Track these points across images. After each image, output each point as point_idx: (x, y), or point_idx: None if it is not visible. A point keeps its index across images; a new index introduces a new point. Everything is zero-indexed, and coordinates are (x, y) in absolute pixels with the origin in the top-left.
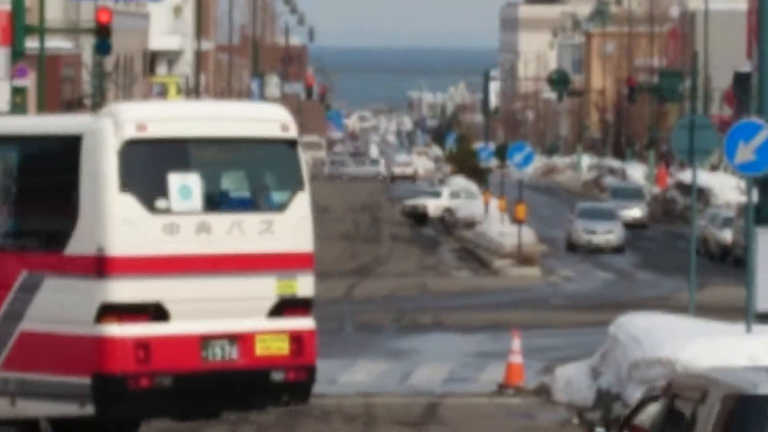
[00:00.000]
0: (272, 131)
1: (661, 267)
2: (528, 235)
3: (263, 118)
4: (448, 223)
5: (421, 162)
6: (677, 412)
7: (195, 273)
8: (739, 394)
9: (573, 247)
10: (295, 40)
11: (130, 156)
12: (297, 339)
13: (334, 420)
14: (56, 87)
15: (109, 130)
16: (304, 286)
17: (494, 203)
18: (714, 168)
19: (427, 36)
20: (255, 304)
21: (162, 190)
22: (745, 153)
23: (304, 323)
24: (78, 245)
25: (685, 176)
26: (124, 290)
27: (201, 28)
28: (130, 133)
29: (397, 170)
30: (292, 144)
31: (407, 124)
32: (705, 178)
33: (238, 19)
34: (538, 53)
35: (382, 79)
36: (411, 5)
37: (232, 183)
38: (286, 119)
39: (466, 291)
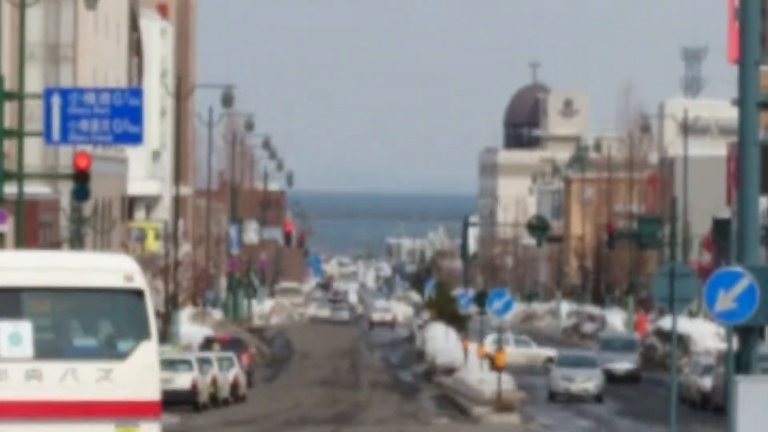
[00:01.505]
0: (115, 281)
1: (641, 415)
2: (507, 382)
3: (105, 269)
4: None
5: (400, 308)
6: None
7: (24, 419)
8: None
9: (553, 396)
10: (274, 186)
11: None
12: None
13: None
14: (34, 232)
15: None
16: None
17: (473, 349)
18: (693, 314)
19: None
20: None
21: None
22: (725, 301)
23: None
24: None
25: (665, 323)
26: None
27: (179, 174)
28: None
29: (376, 316)
30: (137, 293)
31: (386, 269)
32: (685, 324)
33: (216, 164)
34: (517, 198)
35: (361, 224)
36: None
37: (70, 331)
38: (131, 269)
39: None
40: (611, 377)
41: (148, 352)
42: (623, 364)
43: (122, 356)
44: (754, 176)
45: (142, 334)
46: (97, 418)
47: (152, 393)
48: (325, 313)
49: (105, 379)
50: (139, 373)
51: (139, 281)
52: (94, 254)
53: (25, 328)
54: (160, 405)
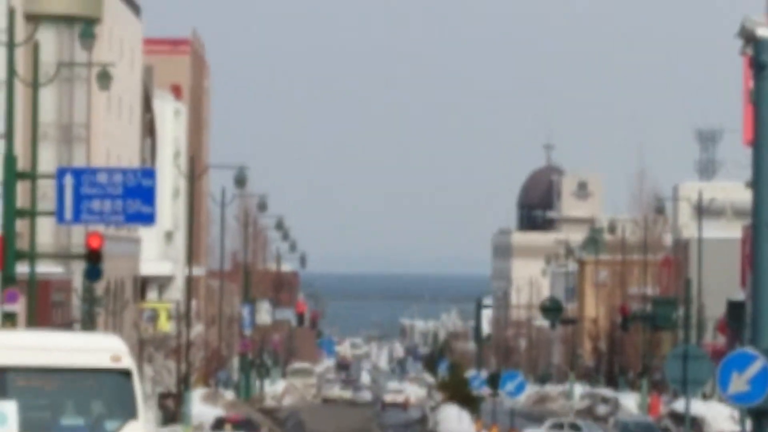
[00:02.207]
0: (101, 361)
1: None
2: None
3: (93, 349)
4: None
5: (412, 389)
6: None
7: None
8: None
9: None
10: (287, 267)
11: None
12: None
13: None
14: (47, 312)
15: None
16: None
17: None
18: (707, 397)
19: (420, 262)
20: None
21: None
22: (738, 383)
23: None
24: None
25: (678, 406)
26: None
27: (192, 254)
28: None
29: (388, 398)
30: (124, 374)
31: (399, 351)
32: (698, 407)
33: (229, 245)
34: (530, 280)
35: (373, 306)
36: (403, 231)
37: (56, 410)
38: (119, 350)
39: None
40: None
41: None
42: None
43: None
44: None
45: (130, 413)
46: None
47: None
48: (347, 394)
49: None
50: None
51: (127, 361)
52: (82, 334)
53: (10, 408)
54: None
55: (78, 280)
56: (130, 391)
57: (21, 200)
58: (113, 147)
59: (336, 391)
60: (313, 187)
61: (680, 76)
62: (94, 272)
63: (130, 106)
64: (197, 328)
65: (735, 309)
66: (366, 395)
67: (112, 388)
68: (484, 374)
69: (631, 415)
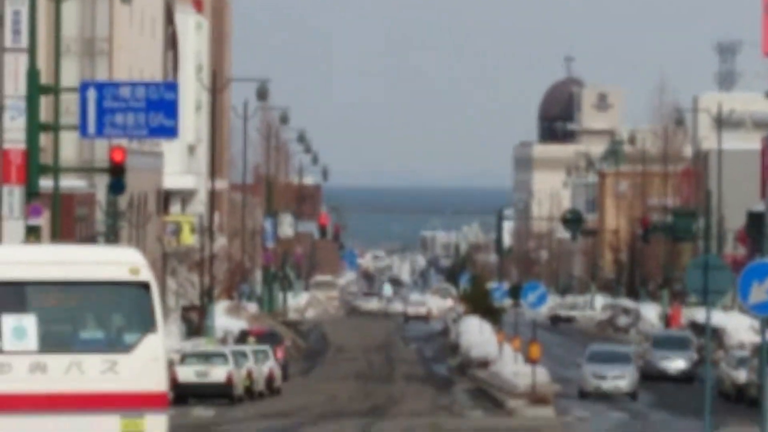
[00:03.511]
0: (120, 274)
1: (676, 408)
2: (542, 375)
3: (111, 262)
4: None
5: (435, 302)
6: None
7: (29, 411)
8: None
9: (582, 394)
10: (309, 180)
11: None
12: None
13: None
14: (70, 226)
15: None
16: (153, 425)
17: (512, 346)
18: (728, 308)
19: (441, 176)
20: None
21: None
22: (759, 293)
23: None
24: None
25: (699, 316)
26: None
27: (215, 168)
28: None
29: (411, 310)
30: (143, 286)
31: (421, 263)
32: (719, 317)
33: (251, 158)
34: (551, 192)
35: (395, 219)
36: (425, 146)
37: (75, 324)
38: (137, 262)
39: (480, 431)
40: (664, 377)
41: (153, 345)
42: (677, 363)
43: (128, 349)
44: None
45: (148, 326)
46: (102, 410)
47: (158, 385)
48: (375, 305)
49: (110, 372)
50: (144, 366)
51: (146, 274)
52: (100, 247)
53: (29, 322)
54: (167, 397)
55: (101, 194)
56: (149, 304)
57: (44, 114)
58: (135, 61)
59: (367, 304)
60: (336, 100)
61: None
62: (117, 186)
63: (152, 20)
64: (220, 241)
65: (755, 219)
66: (397, 307)
67: (130, 301)
68: (505, 286)
69: (664, 330)
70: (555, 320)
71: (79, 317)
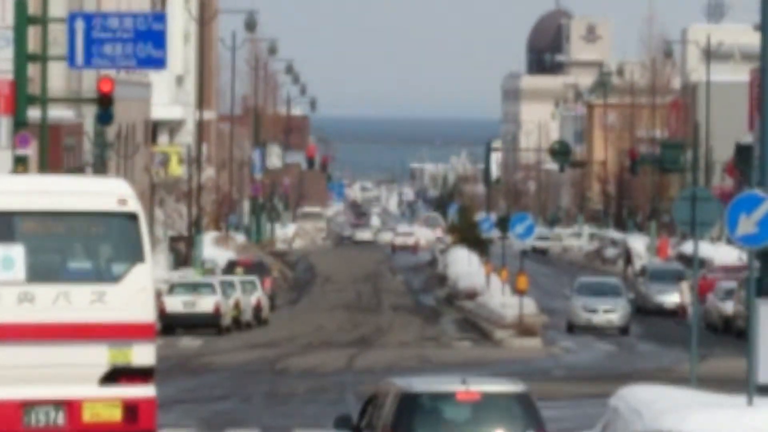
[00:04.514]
0: (108, 205)
1: (663, 339)
2: (529, 306)
3: (99, 192)
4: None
5: (422, 232)
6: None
7: (17, 341)
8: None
9: (571, 328)
10: (297, 110)
11: None
12: (131, 406)
13: None
14: (58, 156)
15: None
16: (141, 355)
17: (500, 277)
18: (715, 240)
19: (430, 106)
20: (84, 371)
21: None
22: (746, 225)
23: (140, 391)
24: None
25: (687, 248)
26: None
27: (203, 99)
28: None
29: (398, 240)
30: (131, 217)
31: (409, 194)
32: (706, 249)
33: (239, 89)
34: (539, 124)
35: (383, 149)
36: (414, 76)
37: (63, 255)
38: (125, 193)
39: (468, 362)
40: (660, 311)
41: (142, 275)
42: (673, 297)
43: (116, 279)
44: None
45: (136, 257)
46: (90, 340)
47: (146, 315)
48: (366, 235)
49: (98, 302)
50: (132, 296)
51: (133, 205)
52: (88, 178)
53: (17, 252)
54: (154, 327)
55: (89, 125)
56: (137, 235)
57: (32, 45)
58: None
59: (356, 235)
60: (324, 31)
61: None
62: (105, 116)
63: None
64: (208, 172)
65: (743, 152)
66: (385, 237)
67: (118, 231)
68: (493, 217)
69: (659, 262)
70: (524, 253)
71: (67, 248)
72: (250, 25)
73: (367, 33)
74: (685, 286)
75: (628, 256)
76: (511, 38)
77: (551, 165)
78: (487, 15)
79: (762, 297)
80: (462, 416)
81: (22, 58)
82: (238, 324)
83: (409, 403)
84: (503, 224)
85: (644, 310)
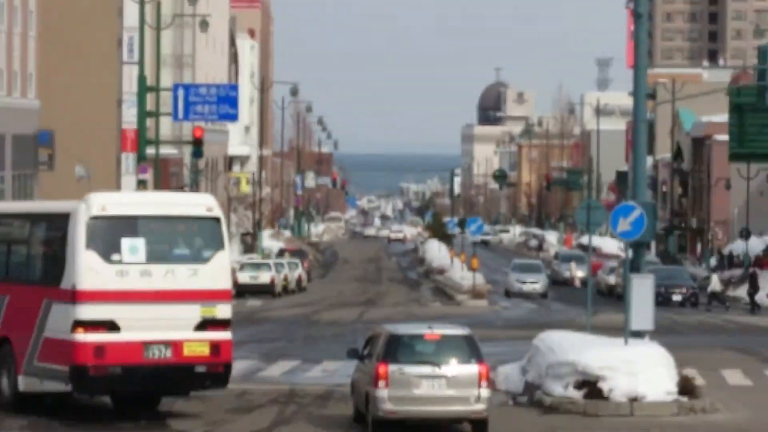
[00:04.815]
0: (199, 211)
1: (569, 301)
2: (479, 278)
3: (193, 203)
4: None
5: (409, 230)
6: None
7: (139, 302)
8: (389, 333)
9: (508, 294)
10: (325, 149)
11: (94, 227)
12: (215, 345)
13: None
14: (166, 180)
15: (81, 210)
16: (222, 311)
17: (460, 260)
18: (603, 234)
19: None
20: (184, 322)
21: (117, 248)
22: (624, 225)
23: (221, 335)
24: (65, 283)
25: (584, 239)
26: (87, 312)
27: (263, 141)
28: (95, 211)
29: (392, 235)
30: (215, 220)
31: (399, 204)
32: (596, 240)
33: (287, 134)
34: (486, 158)
35: (382, 175)
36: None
37: (170, 245)
38: (211, 204)
39: (438, 315)
40: (566, 282)
41: (222, 258)
42: (580, 272)
43: (205, 261)
44: (643, 143)
45: (219, 246)
46: (188, 302)
47: (225, 284)
48: (371, 231)
49: (193, 276)
50: (216, 272)
51: (217, 212)
52: (186, 194)
53: (140, 243)
54: (230, 292)
55: (187, 158)
56: (220, 231)
57: (149, 105)
58: (210, 70)
59: (364, 231)
60: (344, 96)
61: (589, 21)
62: (197, 153)
63: (221, 43)
64: (266, 190)
65: (621, 176)
66: (383, 233)
67: (207, 229)
68: (455, 220)
69: (568, 248)
70: (475, 243)
71: (173, 240)
72: (294, 92)
73: (377, 91)
74: (574, 265)
75: (539, 244)
76: (467, 100)
77: (494, 185)
78: (451, 85)
79: (633, 273)
80: (428, 349)
81: (142, 114)
82: (286, 290)
83: (394, 340)
84: (462, 224)
85: (556, 282)
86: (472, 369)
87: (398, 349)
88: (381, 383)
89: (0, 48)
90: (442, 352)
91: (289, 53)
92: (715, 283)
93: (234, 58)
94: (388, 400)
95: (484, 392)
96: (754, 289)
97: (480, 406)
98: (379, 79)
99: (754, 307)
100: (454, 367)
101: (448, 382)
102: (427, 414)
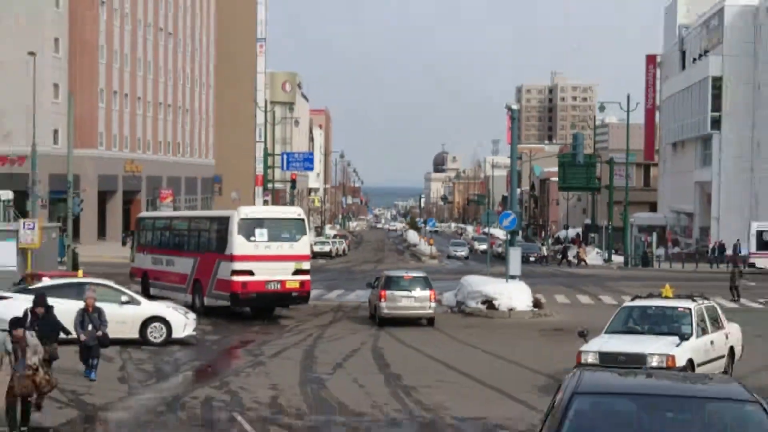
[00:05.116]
0: (293, 215)
1: (478, 261)
2: (434, 249)
3: (291, 211)
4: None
5: (398, 225)
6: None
7: (264, 261)
8: (385, 275)
9: (449, 257)
10: (357, 183)
11: (241, 224)
12: (302, 282)
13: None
14: (278, 200)
15: (236, 216)
16: (305, 265)
17: (424, 240)
18: (495, 227)
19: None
20: (286, 270)
21: (255, 234)
22: (506, 222)
23: (305, 277)
24: (229, 249)
25: (486, 230)
26: (240, 265)
27: (326, 180)
28: (243, 216)
29: (390, 227)
30: (301, 220)
31: (393, 212)
32: (493, 230)
33: (334, 177)
34: (437, 189)
35: (385, 198)
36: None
37: (279, 232)
38: (300, 211)
39: (413, 268)
40: (478, 252)
41: (305, 239)
42: (483, 246)
43: (297, 240)
44: (515, 182)
45: (303, 233)
46: (288, 261)
47: (306, 252)
48: (379, 226)
49: (290, 248)
50: (302, 246)
51: (302, 215)
52: (288, 207)
53: (265, 231)
54: (309, 257)
55: (288, 189)
56: (304, 225)
57: (270, 162)
58: (299, 145)
59: (377, 226)
60: (363, 148)
61: (487, 117)
62: (293, 186)
63: (305, 131)
64: (327, 205)
65: (504, 198)
66: (386, 227)
67: (297, 224)
68: (422, 220)
69: (475, 233)
70: (431, 232)
71: (281, 229)
72: (341, 155)
73: (382, 146)
74: (477, 243)
75: (463, 232)
76: (426, 159)
77: (441, 203)
78: (421, 151)
79: (510, 246)
80: (405, 283)
81: (265, 166)
82: (337, 255)
83: (389, 278)
84: (425, 222)
85: (472, 251)
86: (427, 293)
87: (391, 282)
88: (382, 300)
89: (194, 132)
90: (412, 284)
91: (343, 140)
92: (546, 250)
93: (311, 138)
94: (385, 307)
95: (433, 304)
96: (563, 255)
97: (430, 311)
98: (385, 138)
99: (570, 263)
100: (417, 292)
101: (415, 299)
102: (404, 314)
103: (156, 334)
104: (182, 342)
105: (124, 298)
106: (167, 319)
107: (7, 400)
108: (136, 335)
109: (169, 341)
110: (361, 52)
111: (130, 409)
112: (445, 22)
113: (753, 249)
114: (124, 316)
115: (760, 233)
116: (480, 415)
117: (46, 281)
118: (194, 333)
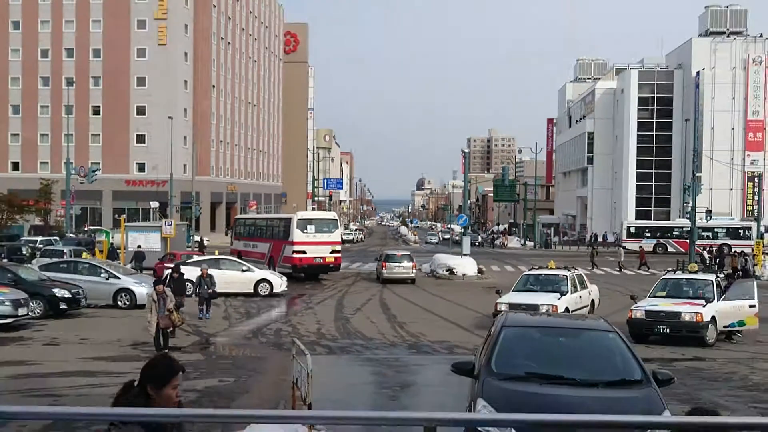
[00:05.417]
0: (330, 216)
1: (446, 245)
2: (417, 238)
3: (329, 214)
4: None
5: (395, 223)
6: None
7: (313, 245)
8: (384, 252)
9: (426, 243)
10: (369, 197)
11: (298, 222)
12: (336, 258)
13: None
14: (321, 208)
15: (295, 217)
16: (337, 248)
17: (410, 232)
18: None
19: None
20: (326, 251)
21: (307, 228)
22: (461, 221)
23: (338, 255)
24: (290, 238)
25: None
26: (297, 247)
27: (350, 194)
28: (299, 217)
29: (390, 224)
30: (335, 219)
31: (392, 215)
32: (453, 226)
33: (357, 192)
34: (419, 202)
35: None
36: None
37: (322, 228)
38: (334, 214)
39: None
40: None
41: (338, 231)
42: (446, 236)
43: (332, 232)
44: (466, 197)
45: (336, 228)
46: (327, 245)
47: (338, 239)
48: (384, 224)
49: (329, 236)
50: (336, 235)
51: (336, 217)
52: (326, 211)
53: (313, 226)
54: (340, 243)
55: (327, 201)
56: (337, 222)
57: (318, 190)
58: (333, 173)
59: (382, 224)
60: (371, 168)
61: (452, 150)
62: (331, 198)
63: (338, 165)
64: (351, 211)
65: (461, 207)
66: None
67: (332, 221)
68: (409, 220)
69: (443, 228)
70: (416, 227)
71: (323, 226)
72: (359, 180)
73: (377, 159)
74: (442, 234)
75: (434, 227)
76: (411, 182)
77: (422, 210)
78: (407, 177)
79: (464, 236)
80: (398, 258)
81: (313, 187)
82: (357, 242)
83: (386, 255)
84: (411, 222)
85: (441, 240)
86: (411, 264)
87: (389, 257)
88: (384, 268)
89: (269, 166)
90: (402, 258)
91: (363, 163)
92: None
93: (341, 169)
94: (385, 273)
95: (414, 271)
96: (492, 241)
97: (413, 275)
98: (387, 166)
99: (496, 246)
100: (405, 263)
101: (403, 268)
102: (397, 277)
103: (264, 290)
104: (278, 295)
105: (244, 268)
106: (270, 280)
107: (155, 331)
108: (251, 290)
109: (272, 294)
110: (369, 111)
111: (231, 336)
112: (425, 95)
113: (624, 237)
114: (244, 278)
115: (629, 227)
116: (445, 339)
117: (195, 258)
118: (286, 289)
